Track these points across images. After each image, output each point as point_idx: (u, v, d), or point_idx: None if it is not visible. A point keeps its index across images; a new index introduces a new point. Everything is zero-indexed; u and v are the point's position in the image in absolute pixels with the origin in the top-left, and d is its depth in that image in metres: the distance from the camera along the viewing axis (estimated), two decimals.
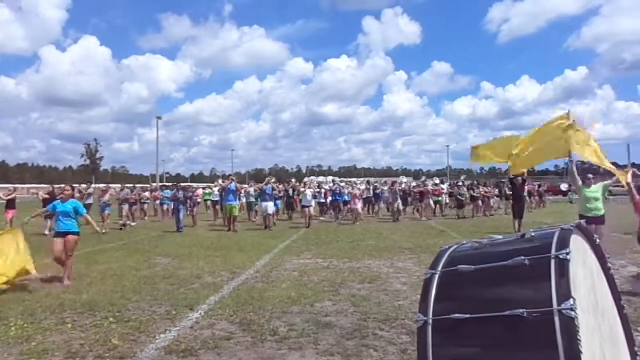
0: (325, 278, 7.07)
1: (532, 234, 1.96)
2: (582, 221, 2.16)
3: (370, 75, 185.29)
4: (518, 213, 13.02)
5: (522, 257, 1.74)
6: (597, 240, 2.16)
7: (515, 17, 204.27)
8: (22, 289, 6.42)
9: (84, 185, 18.64)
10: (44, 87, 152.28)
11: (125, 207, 16.25)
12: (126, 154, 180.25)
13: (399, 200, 18.66)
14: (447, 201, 23.17)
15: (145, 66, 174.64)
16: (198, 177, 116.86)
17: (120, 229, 15.12)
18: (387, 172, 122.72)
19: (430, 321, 1.79)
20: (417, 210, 20.45)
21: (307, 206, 16.52)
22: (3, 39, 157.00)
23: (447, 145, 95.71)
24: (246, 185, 20.62)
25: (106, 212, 14.94)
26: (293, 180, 24.93)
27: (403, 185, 22.76)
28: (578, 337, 1.51)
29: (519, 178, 14.10)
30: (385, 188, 21.99)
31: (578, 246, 1.93)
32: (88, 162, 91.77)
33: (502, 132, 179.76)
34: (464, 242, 2.19)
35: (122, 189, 17.70)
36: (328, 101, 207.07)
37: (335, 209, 19.81)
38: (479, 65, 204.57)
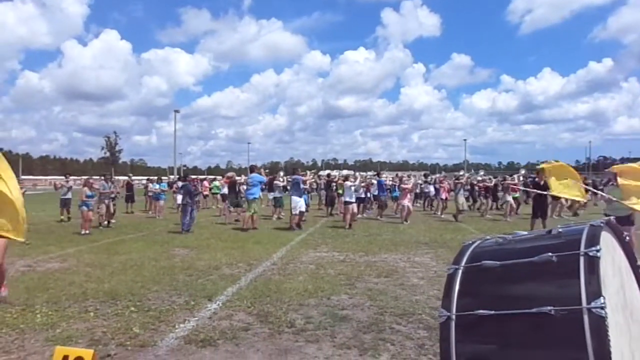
0: (342, 271, 7.07)
1: (560, 230, 1.92)
2: (612, 218, 2.11)
3: (388, 68, 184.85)
4: (541, 212, 12.40)
5: (550, 254, 1.70)
6: (627, 238, 2.11)
7: (539, 8, 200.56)
8: (47, 278, 6.57)
9: (62, 178, 17.04)
10: (66, 81, 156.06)
11: (105, 202, 13.96)
12: (145, 147, 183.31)
13: (463, 197, 16.69)
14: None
15: (165, 60, 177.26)
16: (215, 170, 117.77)
17: (99, 225, 13.55)
18: (404, 166, 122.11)
19: (454, 317, 1.77)
20: (479, 208, 18.63)
21: (351, 202, 14.10)
22: (28, 35, 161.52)
23: (465, 140, 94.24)
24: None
25: (84, 209, 12.23)
26: (338, 171, 23.13)
27: (472, 179, 20.17)
28: (608, 336, 1.48)
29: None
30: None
31: (608, 243, 1.88)
32: (108, 154, 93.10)
33: (522, 126, 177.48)
34: (488, 237, 2.16)
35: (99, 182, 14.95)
36: (345, 94, 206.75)
37: (381, 206, 17.74)
38: (500, 57, 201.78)
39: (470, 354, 1.76)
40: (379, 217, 17.01)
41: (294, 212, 13.45)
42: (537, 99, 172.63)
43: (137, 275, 6.73)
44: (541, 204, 12.48)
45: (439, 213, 18.26)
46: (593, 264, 1.61)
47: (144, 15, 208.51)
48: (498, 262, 1.83)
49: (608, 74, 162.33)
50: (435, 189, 19.76)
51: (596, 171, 69.62)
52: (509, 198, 16.56)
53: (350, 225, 13.67)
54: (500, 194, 18.50)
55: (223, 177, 21.86)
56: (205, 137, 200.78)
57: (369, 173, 24.37)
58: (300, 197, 13.75)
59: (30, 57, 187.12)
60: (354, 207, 14.30)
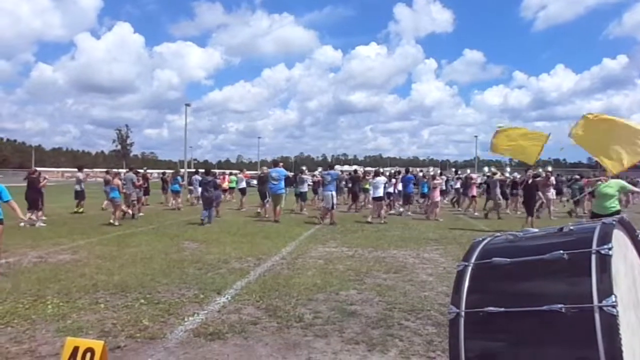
0: (351, 267, 7.06)
1: (571, 227, 1.90)
2: (624, 216, 2.08)
3: (400, 64, 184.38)
4: (527, 210, 12.31)
5: (561, 252, 1.68)
6: None
7: (553, 4, 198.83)
8: (58, 269, 6.66)
9: (74, 170, 17.90)
10: (79, 74, 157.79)
11: (133, 194, 14.62)
12: (156, 140, 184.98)
13: (499, 194, 16.25)
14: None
15: (177, 53, 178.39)
16: (225, 164, 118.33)
17: (124, 215, 13.98)
18: (413, 162, 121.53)
19: (463, 314, 1.76)
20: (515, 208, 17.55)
21: (380, 198, 14.00)
22: (42, 27, 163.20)
23: (476, 136, 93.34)
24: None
25: (117, 199, 12.98)
26: (363, 168, 23.00)
27: (508, 175, 19.14)
28: (619, 335, 1.46)
29: (530, 171, 13.56)
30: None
31: (620, 241, 1.85)
32: (119, 147, 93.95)
33: (533, 123, 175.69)
34: (498, 234, 2.14)
35: (126, 173, 15.63)
36: (356, 89, 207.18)
37: (406, 201, 17.33)
38: (513, 54, 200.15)
39: (480, 351, 1.75)
40: (403, 214, 16.75)
41: (329, 207, 13.47)
42: (549, 95, 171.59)
43: (147, 268, 6.79)
44: (528, 202, 12.34)
45: (472, 210, 17.60)
46: (605, 262, 1.58)
47: (156, 9, 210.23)
48: (508, 259, 1.81)
49: (622, 71, 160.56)
50: (465, 185, 19.25)
51: None
52: (550, 195, 16.09)
53: (382, 219, 13.72)
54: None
55: (241, 171, 22.40)
56: (215, 131, 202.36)
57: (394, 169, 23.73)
58: (333, 191, 13.89)
59: (44, 50, 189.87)
60: (384, 203, 14.32)
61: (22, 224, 11.50)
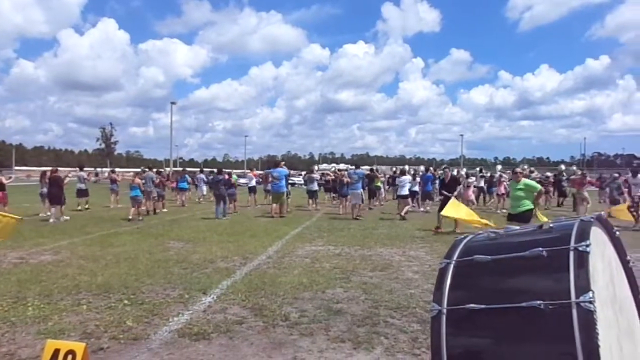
0: (337, 265, 7.08)
1: (551, 225, 1.93)
2: (602, 213, 2.12)
3: (387, 63, 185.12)
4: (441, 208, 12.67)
5: (540, 249, 1.70)
6: (617, 233, 2.11)
7: (538, 5, 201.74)
8: (40, 270, 6.55)
9: (75, 170, 18.24)
10: (62, 71, 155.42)
11: (153, 191, 15.59)
12: (141, 139, 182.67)
13: None
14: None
15: (163, 51, 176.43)
16: (211, 163, 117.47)
17: (148, 213, 15.10)
18: (400, 161, 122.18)
19: (445, 311, 1.77)
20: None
21: (405, 196, 14.62)
22: (24, 23, 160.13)
23: (461, 135, 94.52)
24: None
25: (139, 197, 14.00)
26: (375, 167, 23.65)
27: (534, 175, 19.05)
28: (596, 330, 1.48)
29: (453, 172, 14.09)
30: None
31: (598, 238, 1.89)
32: (103, 146, 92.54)
33: (518, 122, 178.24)
34: (481, 232, 2.16)
35: (142, 172, 16.48)
36: (343, 88, 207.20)
37: (425, 199, 17.75)
38: (499, 53, 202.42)
39: (461, 348, 1.76)
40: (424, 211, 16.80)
41: (359, 202, 14.32)
42: (534, 95, 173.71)
43: (131, 268, 6.71)
44: (445, 202, 12.57)
45: (495, 209, 17.46)
46: (582, 258, 1.61)
47: (142, 6, 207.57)
48: (489, 257, 1.83)
49: (605, 71, 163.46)
50: (490, 183, 19.16)
51: (590, 167, 69.96)
52: (585, 194, 16.27)
53: (403, 216, 14.04)
54: (567, 189, 18.44)
55: (251, 170, 23.17)
56: (202, 129, 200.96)
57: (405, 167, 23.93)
58: (360, 189, 14.78)
59: (25, 46, 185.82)
60: (409, 200, 14.85)
61: (51, 220, 12.64)
